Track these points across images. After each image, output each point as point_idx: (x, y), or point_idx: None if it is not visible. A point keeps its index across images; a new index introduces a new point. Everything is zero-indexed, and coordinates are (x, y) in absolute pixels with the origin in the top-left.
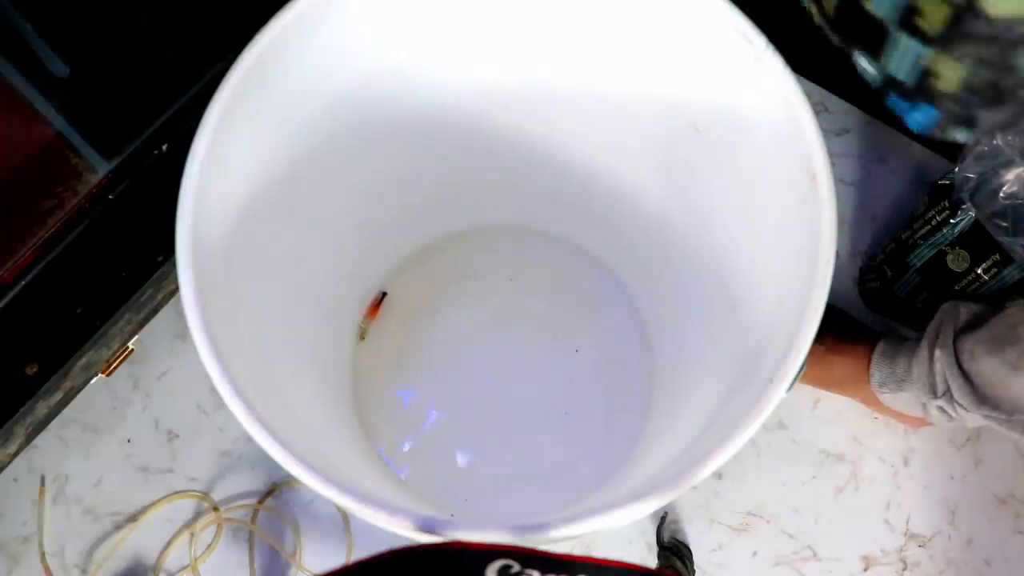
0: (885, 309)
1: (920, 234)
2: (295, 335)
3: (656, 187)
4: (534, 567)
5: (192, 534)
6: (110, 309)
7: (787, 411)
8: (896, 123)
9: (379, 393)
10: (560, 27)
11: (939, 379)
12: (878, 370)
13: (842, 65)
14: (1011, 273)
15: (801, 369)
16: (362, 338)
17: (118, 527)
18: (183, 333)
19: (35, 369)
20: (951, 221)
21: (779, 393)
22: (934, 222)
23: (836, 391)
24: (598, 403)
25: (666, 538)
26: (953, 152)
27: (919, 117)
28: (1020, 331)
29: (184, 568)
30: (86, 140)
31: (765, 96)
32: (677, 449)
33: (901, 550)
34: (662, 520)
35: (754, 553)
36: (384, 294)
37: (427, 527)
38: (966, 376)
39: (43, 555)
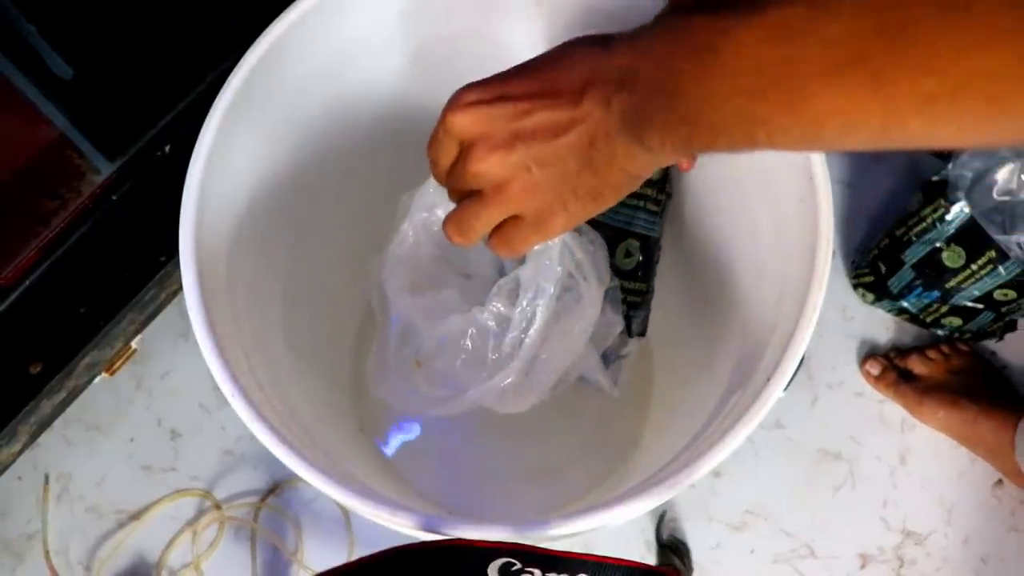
0: (878, 303)
1: (915, 231)
2: (297, 334)
3: None
4: (535, 565)
5: (195, 532)
6: (113, 309)
7: (785, 410)
8: None
9: None
10: (559, 30)
11: None
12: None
13: None
14: (1007, 269)
15: (800, 367)
16: None
17: (121, 525)
18: (186, 332)
19: (39, 368)
20: (946, 218)
21: (777, 392)
22: (929, 219)
23: (981, 455)
24: (598, 402)
25: (665, 536)
26: (948, 151)
27: None
28: None
29: (187, 566)
30: (89, 141)
31: None
32: (675, 447)
33: (898, 548)
34: (661, 518)
35: (752, 551)
36: None
37: (429, 525)
38: None
39: (47, 553)
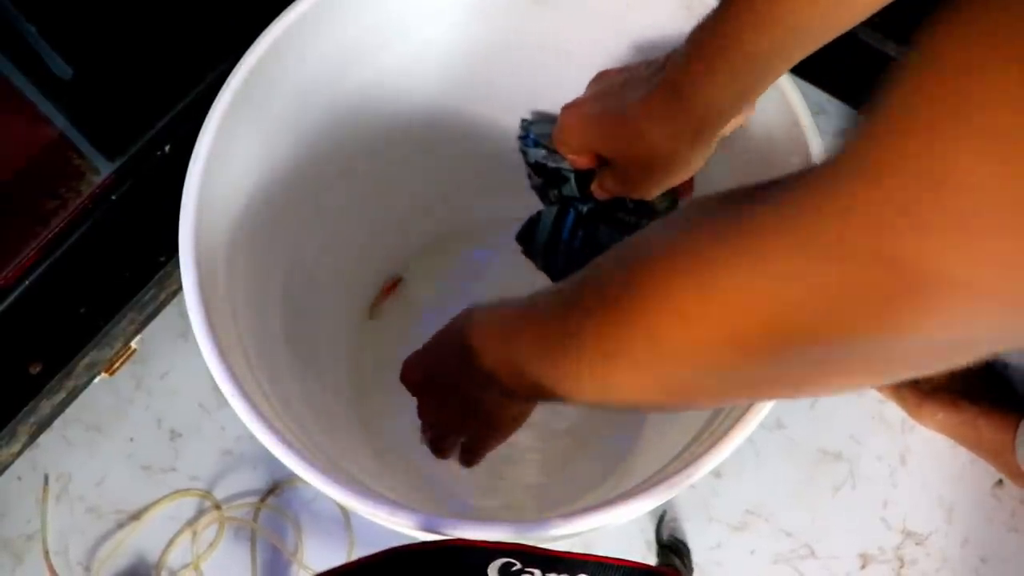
0: None
1: None
2: (297, 333)
3: None
4: (535, 565)
5: (194, 532)
6: (113, 309)
7: (785, 410)
8: None
9: (381, 390)
10: (560, 34)
11: None
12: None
13: (839, 67)
14: None
15: None
16: (371, 317)
17: (121, 525)
18: (186, 332)
19: (39, 368)
20: None
21: None
22: None
23: (982, 456)
24: None
25: (665, 536)
26: None
27: None
28: None
29: (186, 566)
30: (89, 141)
31: (764, 98)
32: (676, 447)
33: (898, 548)
34: (661, 518)
35: (752, 551)
36: (400, 279)
37: (428, 525)
38: None
39: (47, 553)
